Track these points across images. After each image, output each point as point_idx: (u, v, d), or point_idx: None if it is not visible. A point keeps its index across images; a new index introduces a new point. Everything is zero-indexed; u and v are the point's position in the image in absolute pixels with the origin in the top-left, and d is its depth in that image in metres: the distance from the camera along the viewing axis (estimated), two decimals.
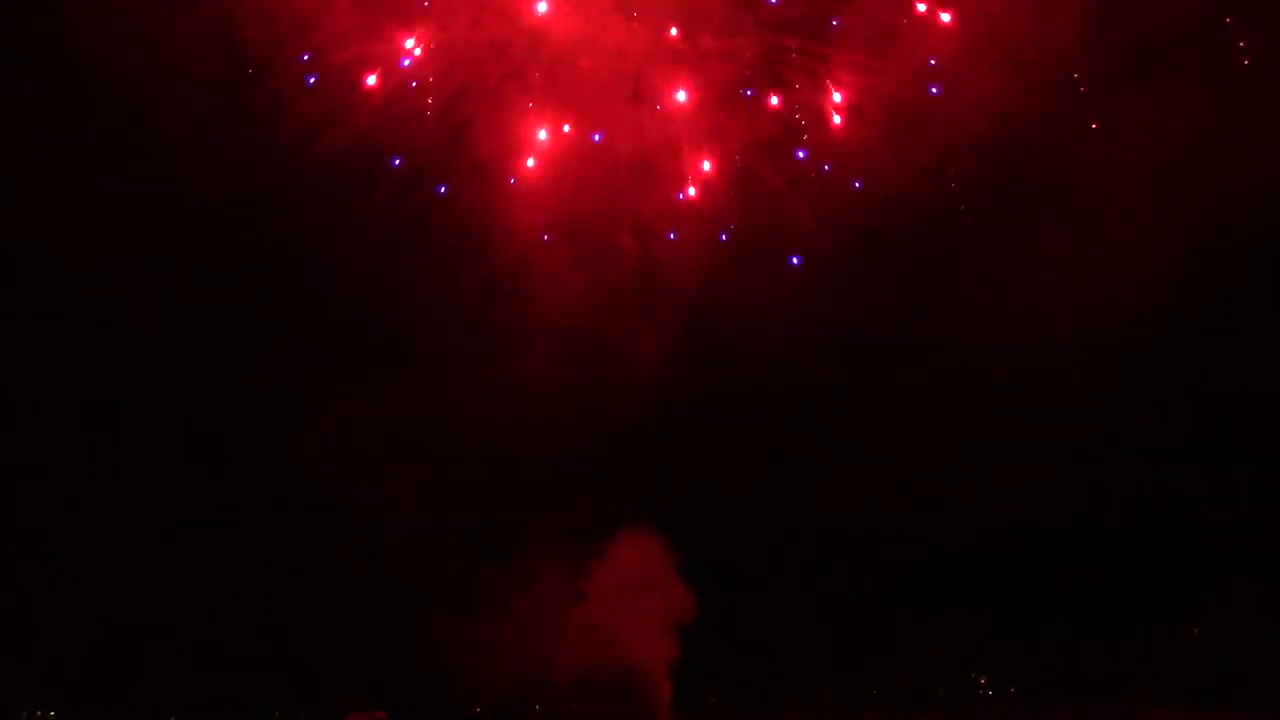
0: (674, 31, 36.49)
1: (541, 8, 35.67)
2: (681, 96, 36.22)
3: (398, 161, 36.96)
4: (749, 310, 39.34)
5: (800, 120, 37.23)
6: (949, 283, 39.12)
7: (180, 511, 38.89)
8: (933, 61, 35.77)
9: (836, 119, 36.72)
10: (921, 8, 35.24)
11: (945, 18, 34.92)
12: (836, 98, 36.48)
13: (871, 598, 40.38)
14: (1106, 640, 40.26)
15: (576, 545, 39.50)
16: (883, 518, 39.91)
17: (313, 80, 35.85)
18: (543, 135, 37.25)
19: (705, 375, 40.78)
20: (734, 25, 36.68)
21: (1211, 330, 38.01)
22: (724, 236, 38.99)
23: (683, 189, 37.45)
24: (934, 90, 36.02)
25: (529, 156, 37.20)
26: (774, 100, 37.29)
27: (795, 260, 39.12)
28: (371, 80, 35.69)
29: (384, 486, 38.12)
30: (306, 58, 35.93)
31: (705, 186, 37.80)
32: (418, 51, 35.72)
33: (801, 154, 37.76)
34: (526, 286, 38.84)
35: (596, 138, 37.16)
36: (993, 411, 39.35)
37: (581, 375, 39.10)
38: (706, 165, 37.32)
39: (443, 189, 37.80)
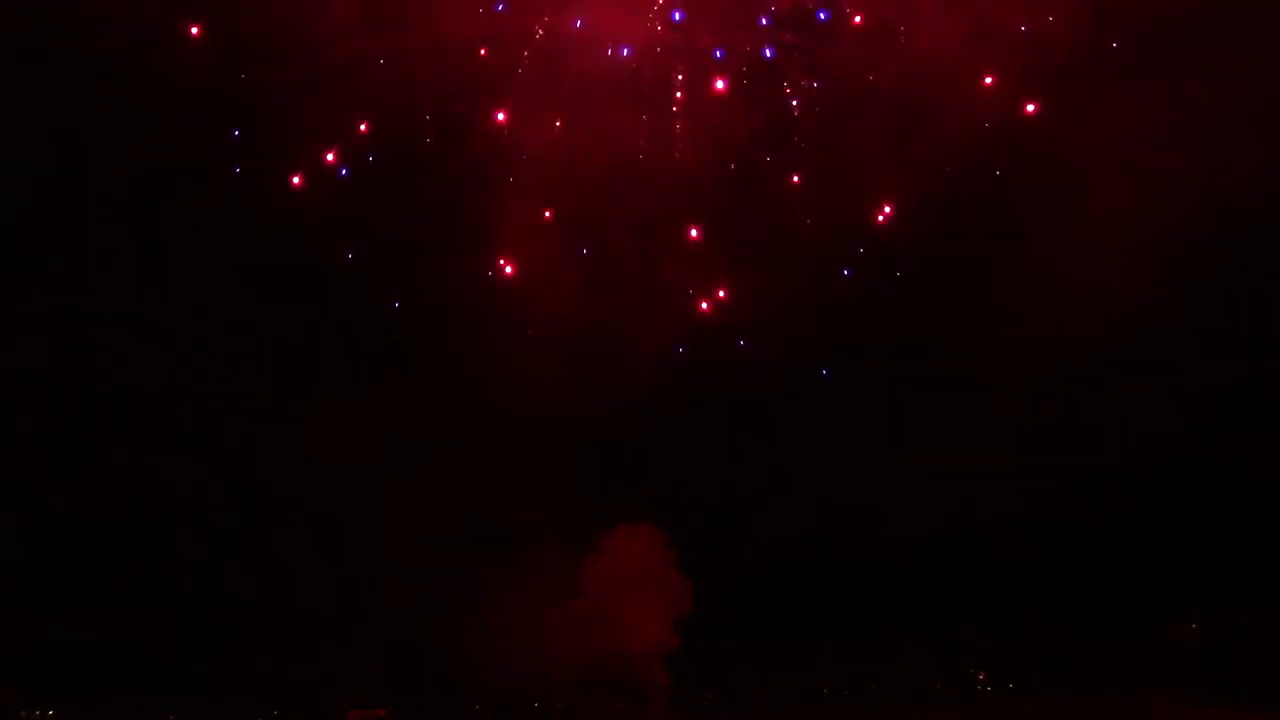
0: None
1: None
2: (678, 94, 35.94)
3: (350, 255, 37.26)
4: (747, 306, 39.30)
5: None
6: (947, 281, 38.93)
7: (179, 510, 39.00)
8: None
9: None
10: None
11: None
12: (887, 209, 36.46)
13: (871, 594, 40.42)
14: (1106, 638, 40.27)
15: (574, 540, 39.60)
16: (882, 515, 39.96)
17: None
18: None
19: (705, 370, 40.72)
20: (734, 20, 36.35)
21: (1212, 325, 37.87)
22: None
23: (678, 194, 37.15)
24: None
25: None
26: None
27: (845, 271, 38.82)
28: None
29: (383, 484, 38.21)
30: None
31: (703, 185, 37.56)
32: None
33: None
34: (525, 284, 38.72)
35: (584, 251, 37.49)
36: (991, 408, 39.26)
37: (580, 370, 39.04)
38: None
39: (396, 304, 38.27)
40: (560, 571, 39.56)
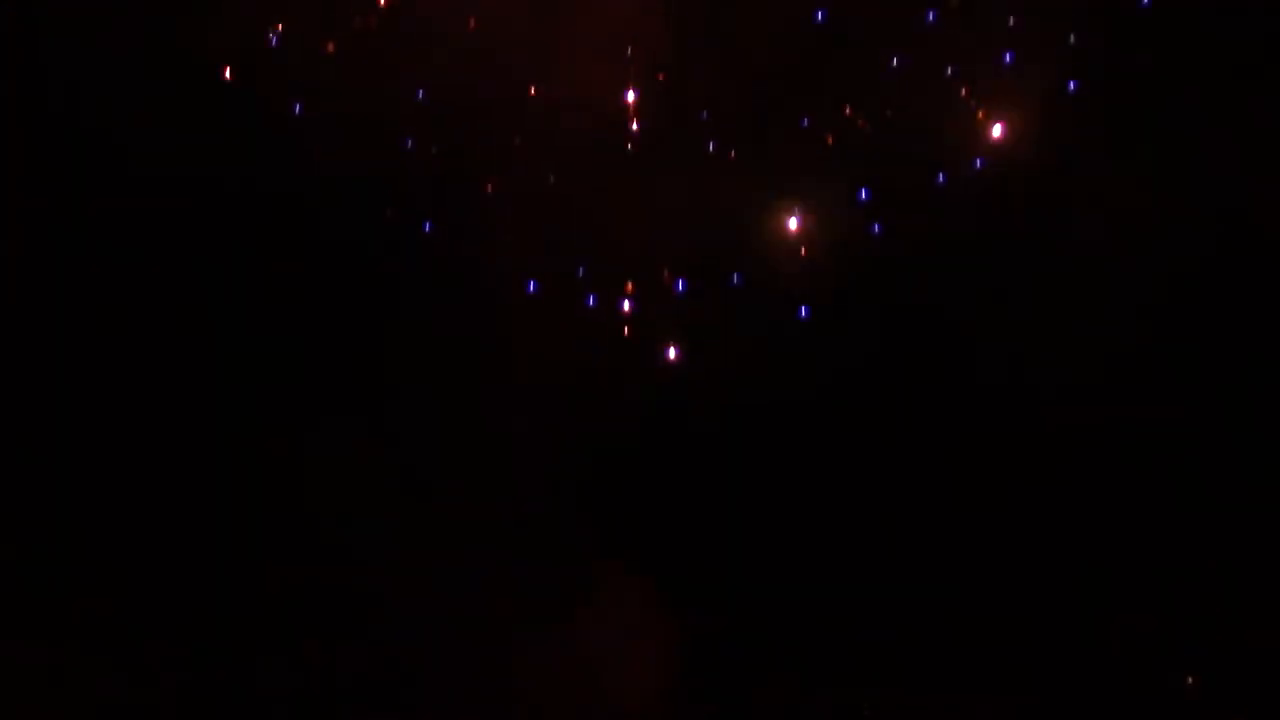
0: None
1: None
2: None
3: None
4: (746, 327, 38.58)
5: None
6: (957, 306, 38.22)
7: (175, 514, 37.72)
8: None
9: None
10: None
11: None
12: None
13: (867, 601, 39.29)
14: (1104, 640, 39.16)
15: (563, 580, 38.24)
16: (880, 520, 38.90)
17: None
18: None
19: (702, 391, 39.86)
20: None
21: (1209, 342, 37.18)
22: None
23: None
24: None
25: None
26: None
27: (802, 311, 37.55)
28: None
29: (383, 501, 37.03)
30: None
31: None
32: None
33: None
34: (514, 305, 37.84)
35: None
36: (984, 421, 38.37)
37: (570, 399, 38.09)
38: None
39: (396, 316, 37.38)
40: (554, 603, 38.28)
